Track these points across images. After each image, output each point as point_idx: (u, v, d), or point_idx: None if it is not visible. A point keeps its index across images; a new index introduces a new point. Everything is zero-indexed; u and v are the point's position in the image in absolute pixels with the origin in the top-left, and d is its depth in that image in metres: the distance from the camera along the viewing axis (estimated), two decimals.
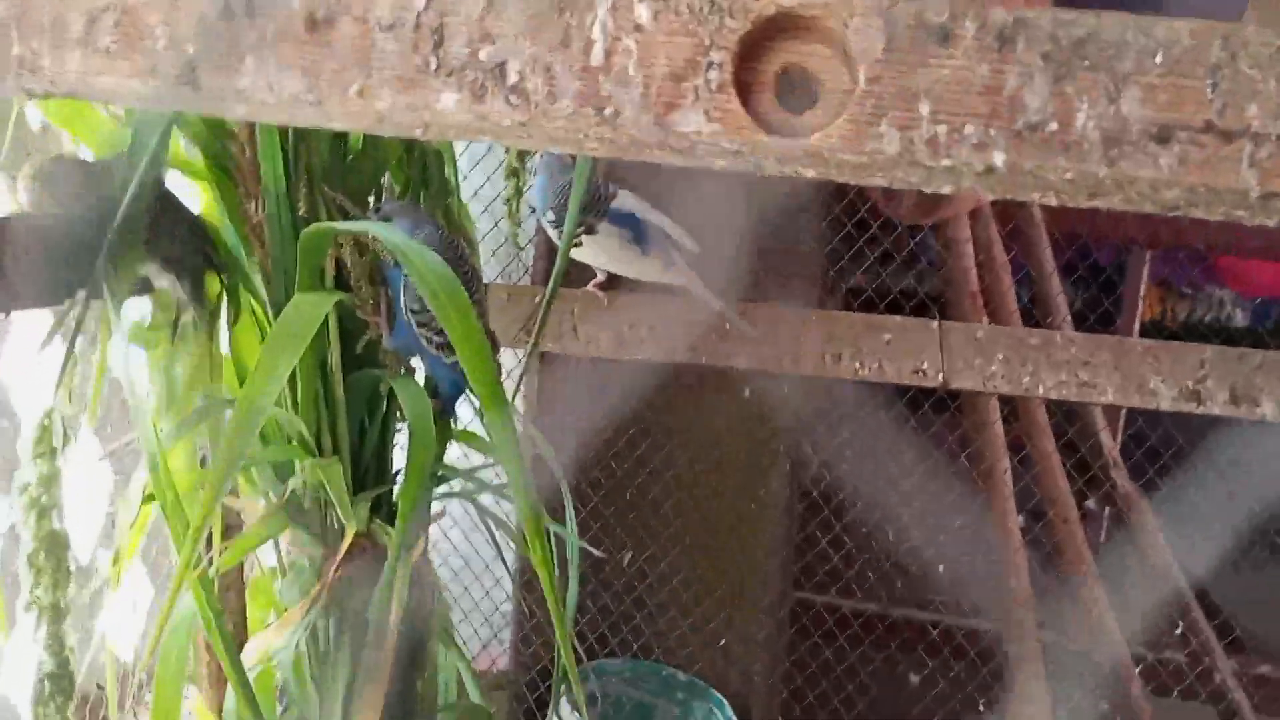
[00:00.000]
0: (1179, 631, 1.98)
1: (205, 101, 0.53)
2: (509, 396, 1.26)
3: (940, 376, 1.55)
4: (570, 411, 1.89)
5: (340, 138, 1.14)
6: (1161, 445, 2.03)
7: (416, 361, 1.21)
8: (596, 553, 1.32)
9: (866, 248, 1.96)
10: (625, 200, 1.54)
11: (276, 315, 1.07)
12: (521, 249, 1.85)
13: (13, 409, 1.32)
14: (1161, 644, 2.07)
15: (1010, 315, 1.96)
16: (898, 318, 1.58)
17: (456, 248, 1.14)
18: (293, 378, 1.09)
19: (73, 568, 1.14)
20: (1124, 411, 2.29)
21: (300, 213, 1.07)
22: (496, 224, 1.82)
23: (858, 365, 1.57)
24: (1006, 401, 1.90)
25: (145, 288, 1.07)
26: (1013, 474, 1.89)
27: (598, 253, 1.52)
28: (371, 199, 1.20)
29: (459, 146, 1.64)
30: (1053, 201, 0.50)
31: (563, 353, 1.68)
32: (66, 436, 1.10)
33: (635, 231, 1.51)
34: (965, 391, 1.63)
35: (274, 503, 1.12)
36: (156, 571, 1.11)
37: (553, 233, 1.52)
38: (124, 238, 0.97)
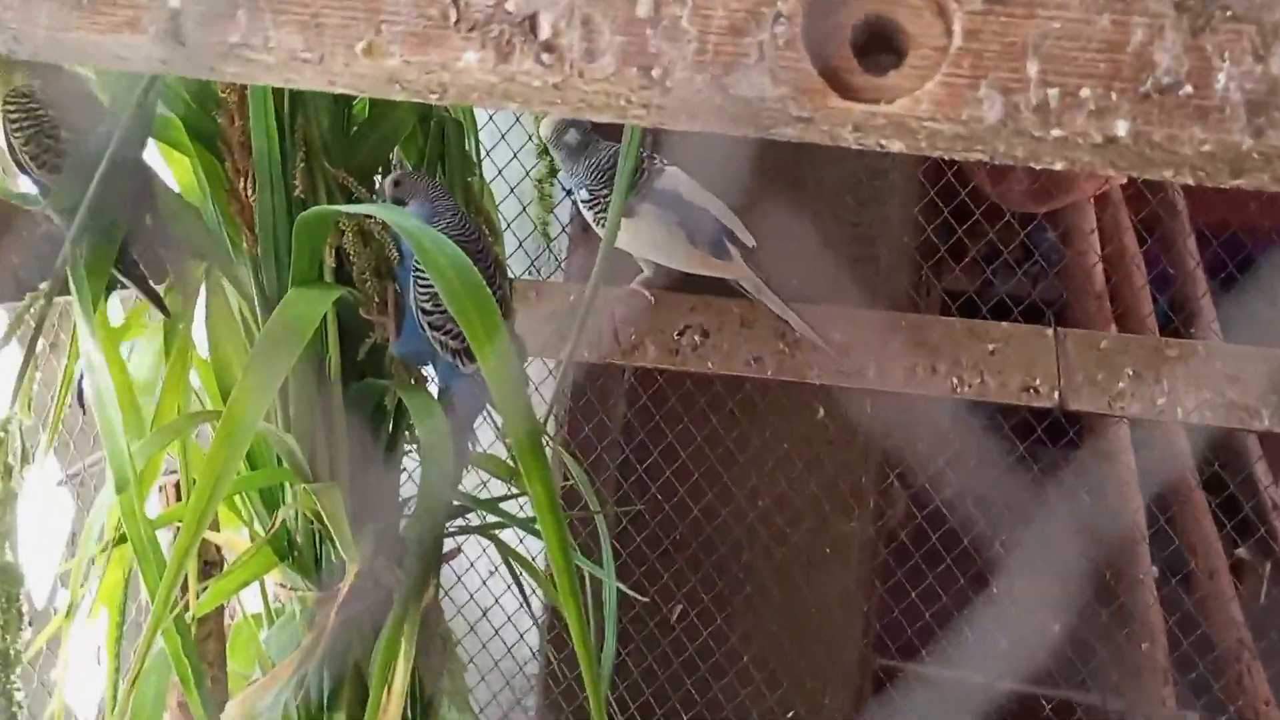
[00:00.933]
0: None
1: (191, 61, 0.55)
2: (538, 415, 1.27)
3: (1056, 395, 1.53)
4: (609, 434, 1.91)
5: (344, 105, 1.16)
6: None
7: (429, 371, 1.22)
8: (639, 598, 1.33)
9: (967, 240, 1.95)
10: (672, 178, 1.54)
11: (266, 314, 1.09)
12: (552, 240, 1.87)
13: None
14: None
15: (1143, 321, 1.94)
16: (1004, 324, 1.57)
17: (478, 236, 1.16)
18: (284, 388, 1.11)
19: (26, 609, 1.17)
20: None
21: (296, 193, 1.09)
22: (524, 208, 1.84)
23: (955, 381, 1.56)
24: (1136, 425, 1.87)
25: (120, 282, 1.10)
26: (1146, 516, 1.87)
27: (636, 239, 1.53)
28: (379, 178, 1.22)
29: (481, 116, 1.66)
30: (1189, 180, 0.50)
31: (602, 363, 1.70)
32: (25, 454, 1.13)
33: (681, 215, 1.51)
34: (1087, 414, 1.61)
35: (261, 536, 1.13)
36: (125, 615, 1.13)
37: (588, 214, 1.53)
38: (97, 224, 1.00)
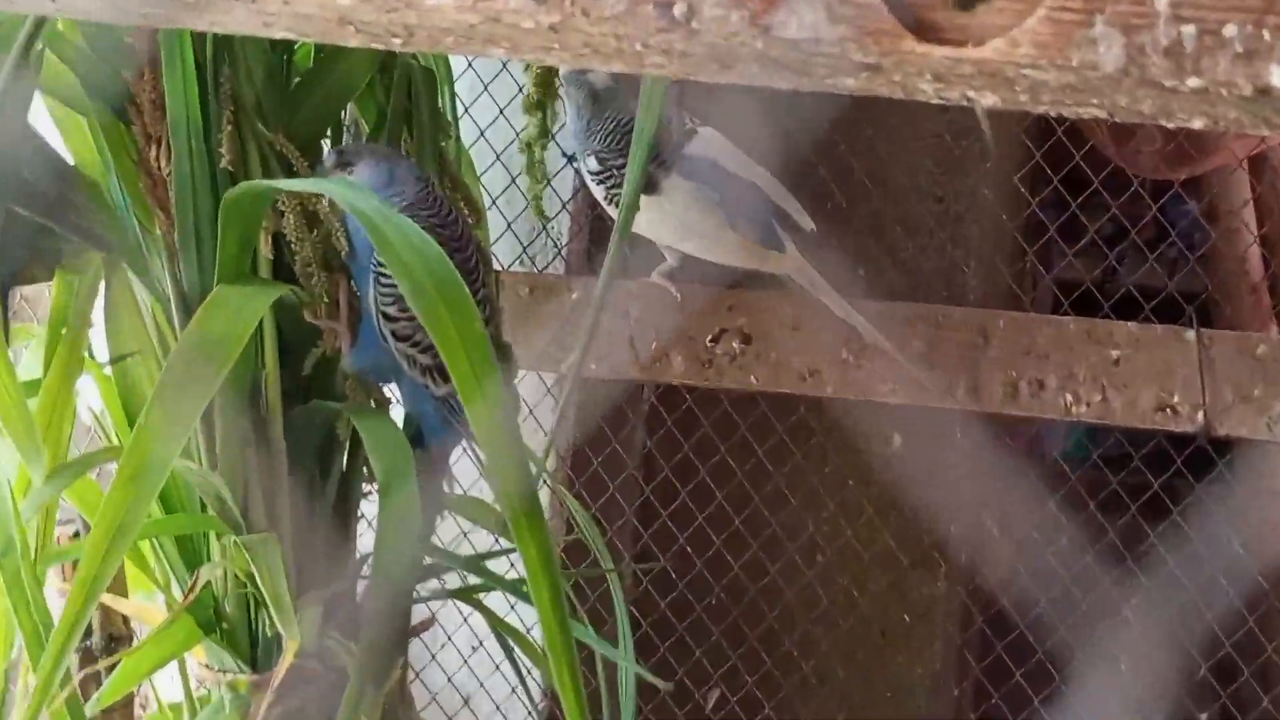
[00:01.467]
0: None
1: None
2: (533, 447, 1.27)
3: (1200, 416, 1.53)
4: (625, 471, 1.91)
5: (283, 53, 1.17)
6: None
7: (393, 390, 1.22)
8: (663, 684, 1.32)
9: (1084, 216, 1.94)
10: (708, 143, 1.54)
11: (185, 319, 1.10)
12: (548, 220, 1.87)
13: None
14: None
15: None
16: (1131, 325, 1.57)
17: (454, 218, 1.16)
18: (208, 414, 1.11)
19: None
20: None
21: (223, 165, 1.10)
22: (513, 180, 1.84)
23: (1069, 398, 1.56)
24: None
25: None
26: None
27: (660, 221, 1.53)
28: (328, 144, 1.23)
29: (459, 63, 1.67)
30: None
31: (615, 378, 1.70)
32: None
33: (719, 191, 1.51)
34: (1239, 440, 1.60)
35: (179, 602, 1.14)
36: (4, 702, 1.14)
37: (597, 189, 1.53)
38: None
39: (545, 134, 1.66)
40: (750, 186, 1.53)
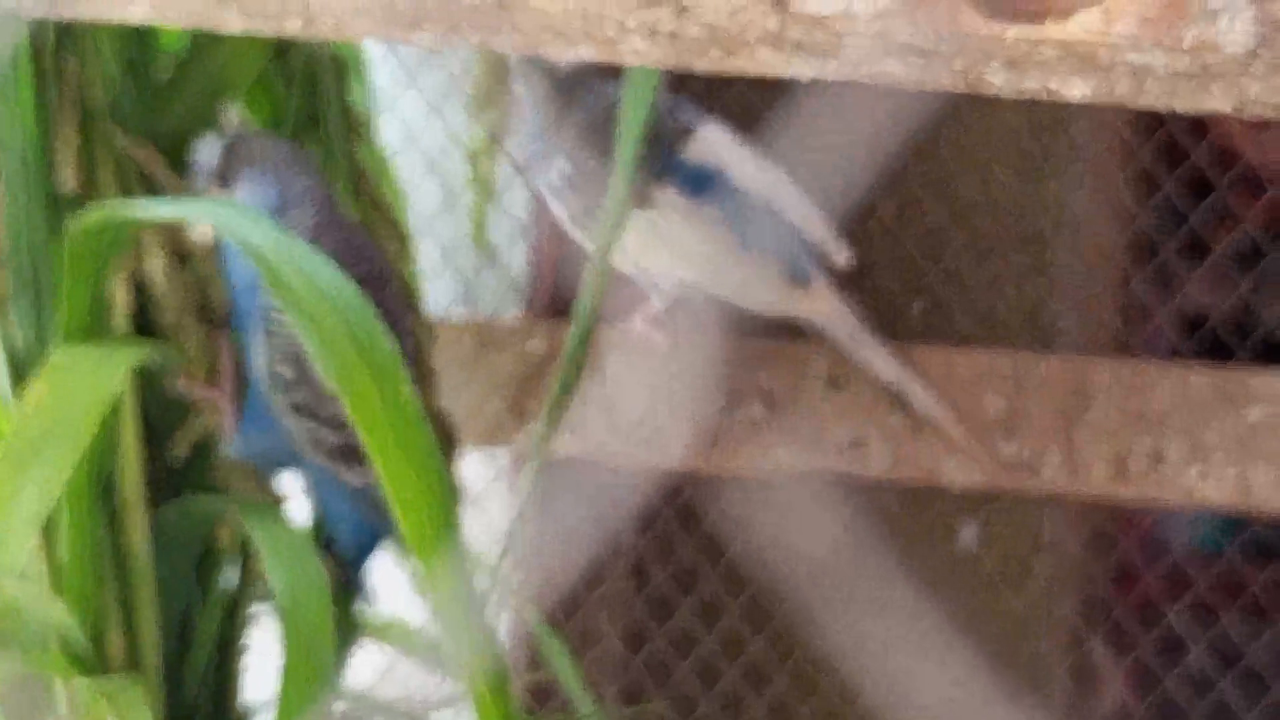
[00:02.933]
0: None
1: None
2: (483, 546, 1.26)
3: None
4: (606, 582, 1.90)
5: (146, 39, 1.17)
6: None
7: (292, 478, 1.22)
8: None
9: (1211, 236, 1.95)
10: (713, 144, 1.54)
11: (17, 390, 1.09)
12: (494, 250, 1.87)
13: None
14: None
15: None
16: (1277, 375, 1.57)
17: (367, 250, 1.16)
18: (52, 522, 1.11)
19: None
20: None
21: (67, 188, 1.10)
22: (451, 199, 1.85)
23: (1196, 474, 1.55)
24: None
25: None
26: None
27: (650, 244, 1.53)
28: (203, 152, 1.22)
29: (377, 50, 1.67)
30: None
31: (587, 458, 1.69)
32: None
33: (727, 209, 1.51)
34: None
35: None
36: None
37: (564, 202, 1.53)
38: None
39: (498, 142, 1.66)
40: (768, 207, 1.53)
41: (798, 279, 1.54)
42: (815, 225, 1.55)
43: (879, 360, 1.56)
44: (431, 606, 0.92)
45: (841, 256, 1.55)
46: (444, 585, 0.86)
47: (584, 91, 1.49)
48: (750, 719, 1.91)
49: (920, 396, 1.57)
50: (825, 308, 1.55)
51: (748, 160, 1.54)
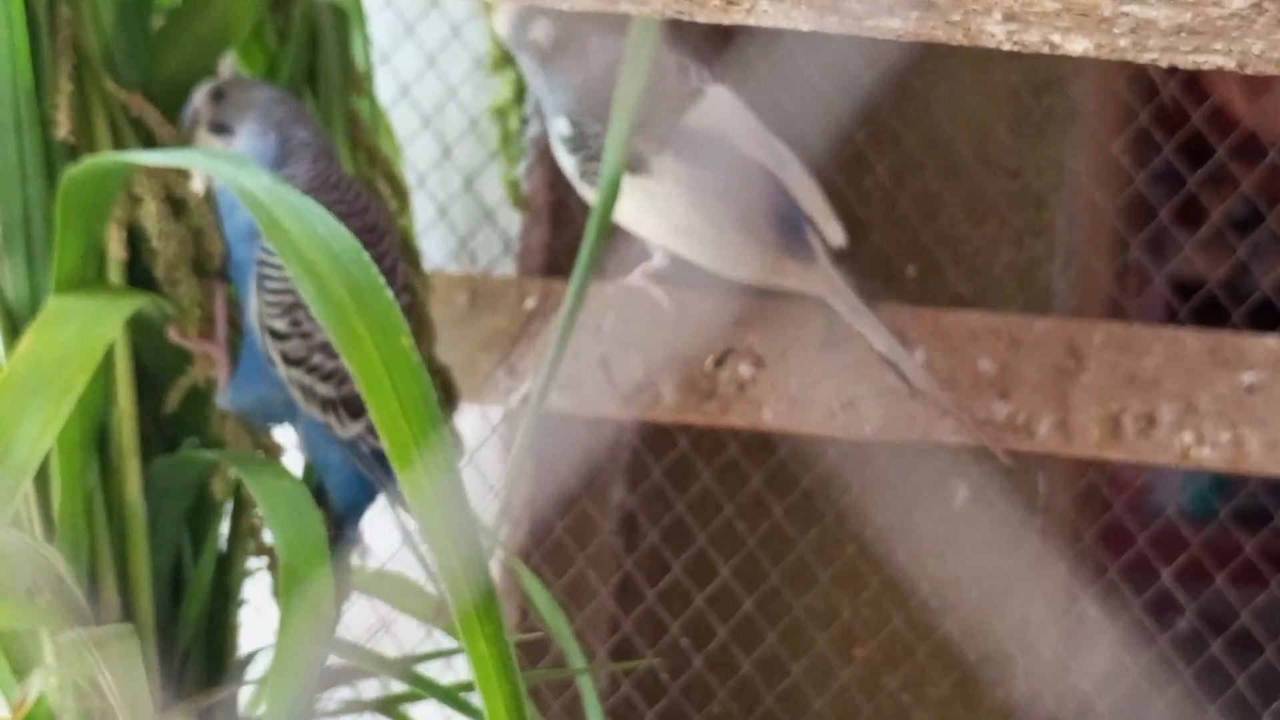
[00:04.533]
0: None
1: None
2: (479, 507, 1.25)
3: None
4: (598, 537, 1.90)
5: None
6: None
7: (287, 431, 1.22)
8: None
9: (1207, 200, 1.95)
10: (717, 109, 1.54)
11: (10, 341, 1.09)
12: (528, 210, 1.86)
13: None
14: None
15: None
16: (1271, 339, 1.57)
17: (366, 201, 1.16)
18: (43, 471, 1.11)
19: None
20: None
21: (61, 136, 1.09)
22: (447, 153, 1.84)
23: (1189, 438, 1.55)
24: None
25: None
26: None
27: (648, 210, 1.52)
28: (200, 101, 1.22)
29: (372, 2, 1.67)
30: None
31: (585, 414, 1.69)
32: None
33: (726, 178, 1.51)
34: None
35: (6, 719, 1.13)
36: None
37: (567, 161, 1.53)
38: None
39: (521, 97, 1.65)
40: (770, 177, 1.52)
41: (797, 254, 1.54)
42: (814, 199, 1.55)
43: (875, 336, 1.56)
44: (428, 557, 0.92)
45: (836, 235, 1.55)
46: (443, 541, 0.86)
47: (570, 54, 1.49)
48: (741, 676, 1.91)
49: (915, 372, 1.57)
50: (824, 283, 1.55)
51: (751, 129, 1.53)
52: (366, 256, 0.89)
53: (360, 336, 0.86)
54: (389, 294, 0.87)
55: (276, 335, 1.12)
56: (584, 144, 1.49)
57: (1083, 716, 2.04)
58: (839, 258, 1.55)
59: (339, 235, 0.89)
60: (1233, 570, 1.88)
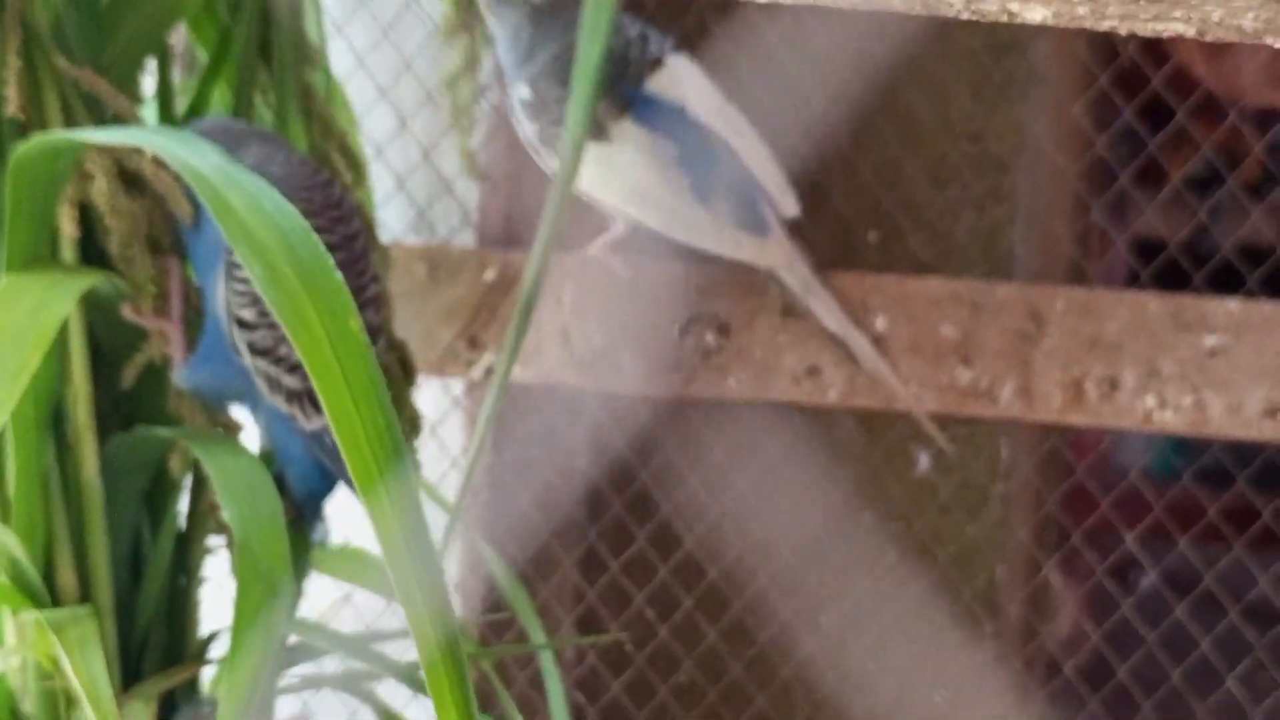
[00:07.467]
0: None
1: None
2: (436, 480, 1.25)
3: None
4: (561, 510, 1.90)
5: None
6: None
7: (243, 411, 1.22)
8: None
9: (1168, 161, 1.95)
10: (678, 78, 1.53)
11: None
12: (486, 179, 1.85)
13: None
14: None
15: None
16: (1232, 301, 1.57)
17: (322, 178, 1.15)
18: None
19: None
20: None
21: (9, 113, 1.09)
22: (404, 124, 1.83)
23: (1152, 402, 1.56)
24: None
25: None
26: None
27: (607, 177, 1.52)
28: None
29: None
30: None
31: (543, 385, 1.69)
32: None
33: (683, 148, 1.50)
34: None
35: None
36: None
37: (527, 126, 1.52)
38: None
39: (474, 66, 1.64)
40: (728, 150, 1.52)
41: (753, 227, 1.54)
42: (769, 171, 1.55)
43: (827, 313, 1.56)
44: (380, 547, 0.91)
45: (790, 207, 1.55)
46: (392, 527, 0.85)
47: (559, 22, 1.48)
48: (706, 646, 1.91)
49: (865, 350, 1.57)
50: (779, 258, 1.55)
51: (710, 97, 1.53)
52: (317, 235, 0.88)
53: (312, 322, 0.85)
54: (338, 276, 0.85)
55: (244, 325, 1.11)
56: (545, 109, 1.48)
57: (1048, 679, 2.05)
58: (794, 231, 1.55)
59: (287, 214, 0.88)
60: (1196, 532, 1.89)
